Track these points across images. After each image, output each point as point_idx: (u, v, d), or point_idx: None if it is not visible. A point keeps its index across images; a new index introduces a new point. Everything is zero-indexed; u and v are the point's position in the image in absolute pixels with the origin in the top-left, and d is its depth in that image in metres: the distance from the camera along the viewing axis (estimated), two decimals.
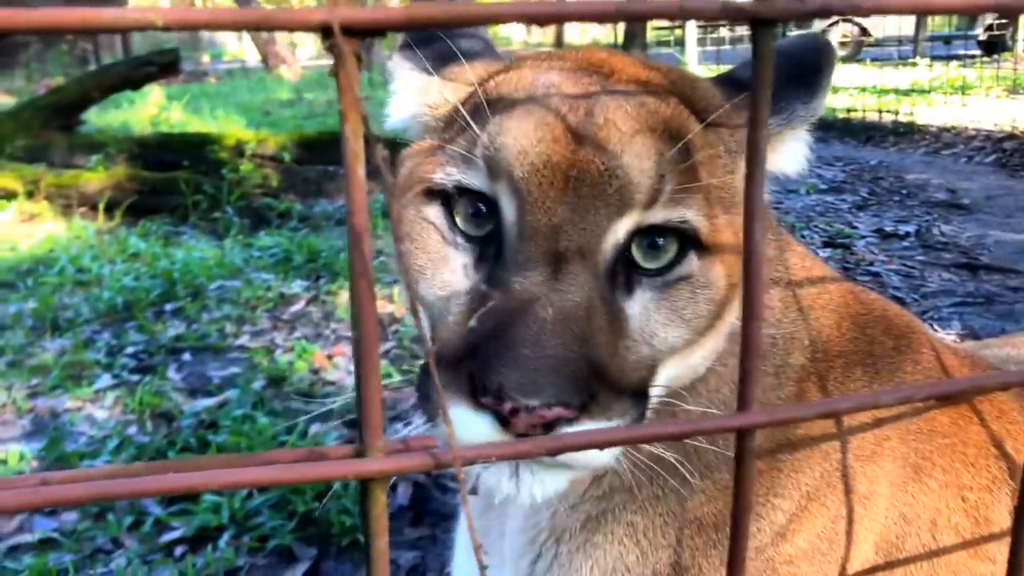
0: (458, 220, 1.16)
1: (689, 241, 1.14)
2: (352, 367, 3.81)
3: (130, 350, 4.16)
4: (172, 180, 7.18)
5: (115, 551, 2.61)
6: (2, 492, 0.56)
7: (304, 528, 2.69)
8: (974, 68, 13.88)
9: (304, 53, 25.44)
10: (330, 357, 4.00)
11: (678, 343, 1.15)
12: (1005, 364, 2.35)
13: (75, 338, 4.27)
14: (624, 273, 1.12)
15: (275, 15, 0.52)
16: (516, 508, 1.49)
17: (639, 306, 1.13)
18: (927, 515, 1.45)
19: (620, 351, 1.08)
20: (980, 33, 18.91)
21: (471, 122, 1.15)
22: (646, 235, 1.12)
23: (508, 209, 1.10)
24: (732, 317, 1.24)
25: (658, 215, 1.11)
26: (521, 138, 1.09)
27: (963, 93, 11.80)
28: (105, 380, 3.82)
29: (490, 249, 1.13)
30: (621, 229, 1.10)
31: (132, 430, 3.34)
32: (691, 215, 1.12)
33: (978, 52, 18.44)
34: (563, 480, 1.10)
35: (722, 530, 1.34)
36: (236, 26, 0.54)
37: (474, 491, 1.28)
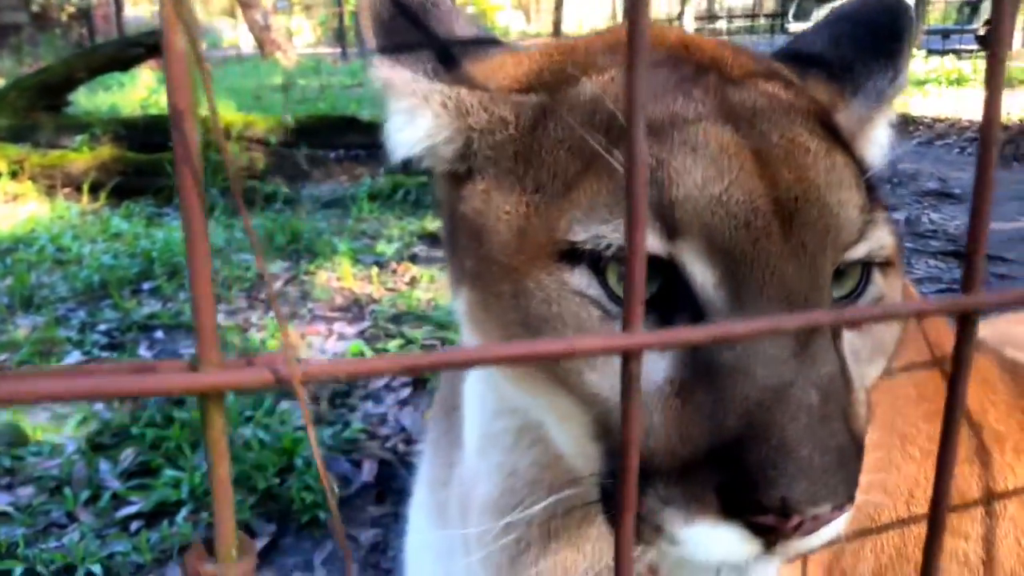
0: (611, 285, 0.89)
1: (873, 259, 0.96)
2: (326, 345, 3.76)
3: (102, 327, 4.10)
4: (157, 162, 7.11)
5: (70, 525, 2.55)
6: None
7: (264, 504, 2.64)
8: (970, 61, 13.81)
9: (301, 40, 25.33)
10: (304, 336, 3.94)
11: (875, 376, 0.98)
12: (1004, 342, 2.31)
13: (48, 315, 4.22)
14: None
15: None
16: (483, 487, 1.42)
17: (848, 346, 0.94)
18: (906, 486, 1.39)
19: (854, 407, 0.90)
20: (979, 28, 18.84)
21: (608, 155, 0.89)
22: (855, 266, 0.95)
23: (702, 273, 0.86)
24: None
25: (861, 249, 0.92)
26: (711, 184, 0.86)
27: (958, 85, 11.74)
28: (75, 356, 3.76)
29: (675, 319, 0.89)
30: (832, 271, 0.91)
31: (98, 406, 3.28)
32: (885, 236, 0.94)
33: (976, 47, 18.38)
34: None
35: None
36: None
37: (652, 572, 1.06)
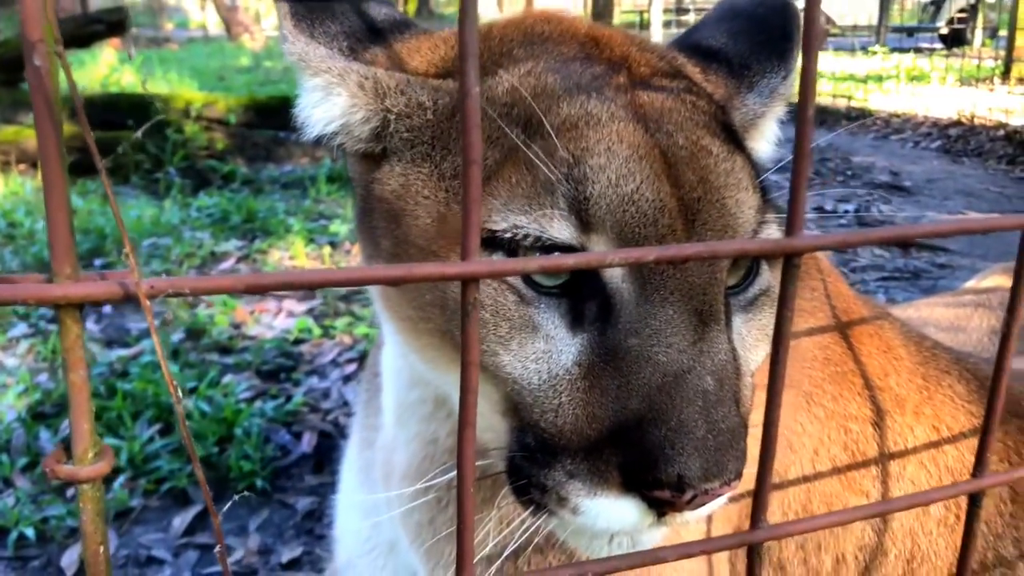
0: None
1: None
2: (275, 322, 3.78)
3: None
4: (115, 140, 7.05)
5: (5, 491, 2.57)
6: None
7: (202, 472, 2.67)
8: (931, 59, 14.04)
9: (268, 23, 25.08)
10: (253, 312, 3.96)
11: (760, 360, 1.04)
12: (923, 323, 2.40)
13: None
14: (725, 305, 0.98)
15: None
16: (394, 439, 1.45)
17: (737, 334, 1.01)
18: (811, 444, 1.46)
19: (743, 390, 0.97)
20: (941, 26, 19.13)
21: (527, 149, 0.93)
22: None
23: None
24: None
25: (755, 242, 0.99)
26: (624, 183, 0.91)
27: (917, 82, 11.94)
28: (21, 329, 3.75)
29: (585, 306, 0.94)
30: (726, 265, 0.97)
31: (42, 378, 3.29)
32: (775, 233, 1.00)
33: (939, 45, 18.66)
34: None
35: None
36: None
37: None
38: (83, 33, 8.55)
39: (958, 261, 5.08)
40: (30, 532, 2.36)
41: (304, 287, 0.65)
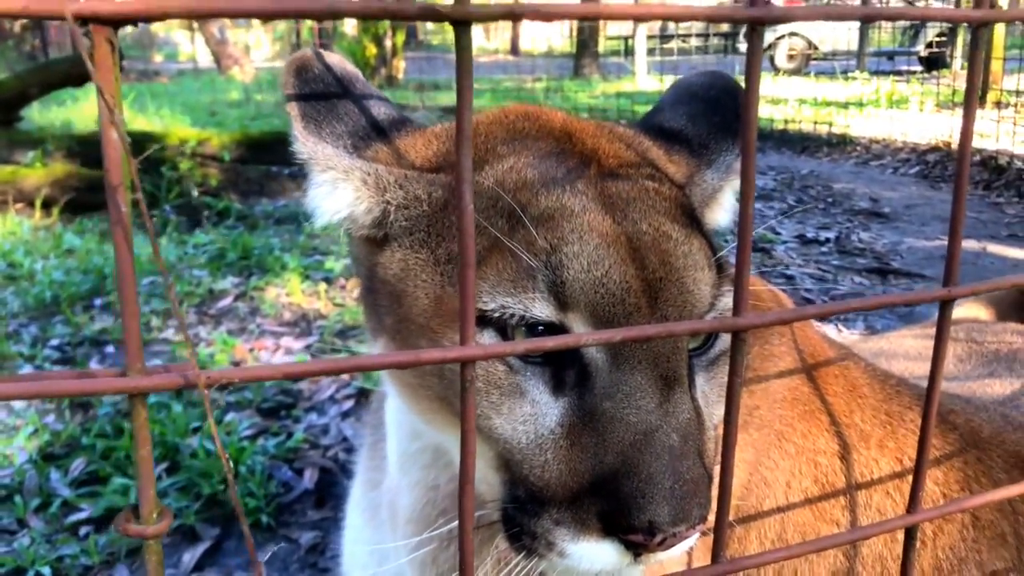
0: None
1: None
2: (273, 358, 3.90)
3: (54, 342, 4.20)
4: None
5: (20, 531, 2.68)
6: None
7: (209, 509, 2.78)
8: (911, 83, 14.32)
9: (258, 55, 25.31)
10: (252, 350, 4.08)
11: (721, 415, 1.18)
12: (876, 357, 2.54)
13: (0, 330, 4.30)
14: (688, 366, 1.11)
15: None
16: (405, 500, 1.57)
17: (700, 392, 1.15)
18: (783, 478, 1.59)
19: (706, 443, 1.10)
20: (921, 49, 19.47)
21: (510, 240, 1.07)
22: None
23: None
24: None
25: (712, 315, 1.13)
26: (594, 268, 1.04)
27: (897, 106, 12.18)
28: (26, 370, 3.86)
29: (565, 374, 1.07)
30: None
31: (49, 419, 3.40)
32: (727, 301, 1.13)
33: (919, 68, 19.00)
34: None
35: None
36: None
37: None
38: (78, 72, 8.69)
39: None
40: (47, 571, 2.47)
41: (333, 372, 0.79)
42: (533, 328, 1.06)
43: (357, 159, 1.18)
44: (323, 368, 0.78)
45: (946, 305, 1.04)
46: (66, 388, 0.73)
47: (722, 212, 1.36)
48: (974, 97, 0.96)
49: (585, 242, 1.06)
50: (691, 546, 1.10)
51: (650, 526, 0.98)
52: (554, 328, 1.06)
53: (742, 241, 0.88)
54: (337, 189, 1.18)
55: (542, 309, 1.04)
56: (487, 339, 1.07)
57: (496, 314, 1.05)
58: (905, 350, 2.74)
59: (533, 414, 1.06)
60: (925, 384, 1.96)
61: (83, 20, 0.63)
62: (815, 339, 1.76)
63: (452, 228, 1.14)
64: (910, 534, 1.08)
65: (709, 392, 1.17)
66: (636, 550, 1.03)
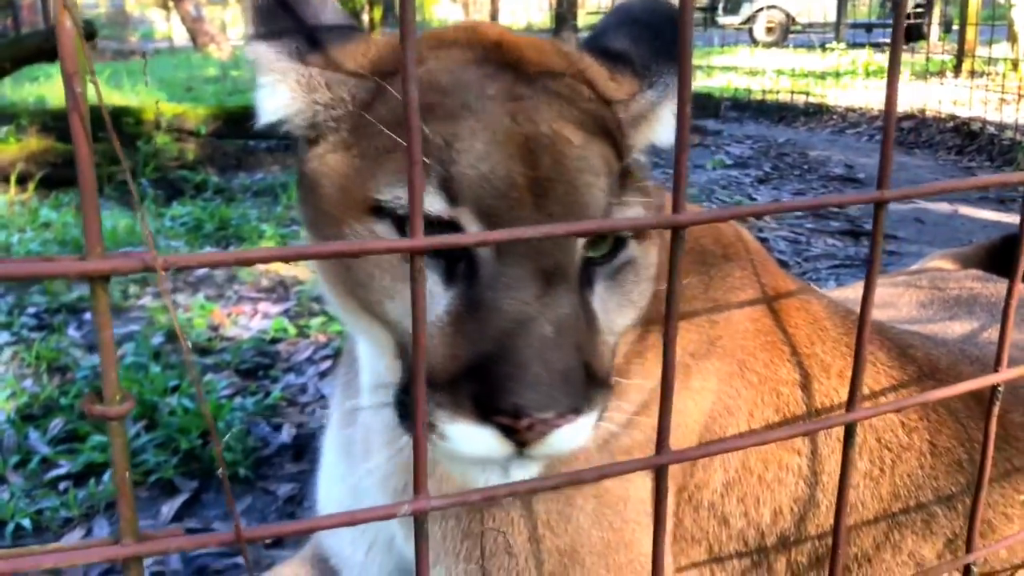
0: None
1: None
2: (251, 323, 3.93)
3: (31, 310, 4.21)
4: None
5: (0, 487, 2.71)
6: None
7: (187, 463, 2.82)
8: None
9: (235, 33, 25.06)
10: (230, 315, 4.11)
11: (628, 325, 1.25)
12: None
13: None
14: (585, 270, 1.18)
15: None
16: (381, 427, 1.62)
17: (598, 298, 1.20)
18: (746, 407, 1.63)
19: (597, 346, 1.16)
20: None
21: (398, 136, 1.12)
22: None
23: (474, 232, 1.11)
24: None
25: (645, 219, 1.19)
26: (481, 163, 1.10)
27: (872, 76, 12.26)
28: (3, 337, 3.87)
29: (456, 266, 1.13)
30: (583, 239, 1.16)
31: (27, 383, 3.41)
32: (633, 212, 1.19)
33: None
34: (541, 467, 1.18)
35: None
36: None
37: None
38: (50, 47, 8.61)
39: (906, 248, 5.32)
40: (27, 523, 2.50)
41: (282, 259, 0.83)
42: (427, 222, 1.11)
43: (295, 62, 1.26)
44: (272, 255, 0.82)
45: (879, 207, 1.08)
46: (30, 270, 0.77)
47: (662, 128, 1.41)
48: (897, 57, 1.00)
49: (476, 138, 1.12)
50: (580, 445, 1.12)
51: (515, 408, 1.01)
52: (444, 223, 1.12)
53: (680, 144, 0.92)
54: (276, 90, 1.27)
55: (432, 203, 1.10)
56: (382, 227, 1.15)
57: (390, 204, 1.13)
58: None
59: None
60: (888, 326, 2.01)
61: None
62: (777, 272, 1.81)
63: (368, 128, 1.20)
64: (849, 431, 1.13)
65: (609, 299, 1.22)
66: (514, 438, 1.06)
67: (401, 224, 1.14)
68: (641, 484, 1.56)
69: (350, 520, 0.91)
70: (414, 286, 0.86)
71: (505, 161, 1.11)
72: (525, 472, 1.14)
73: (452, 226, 1.12)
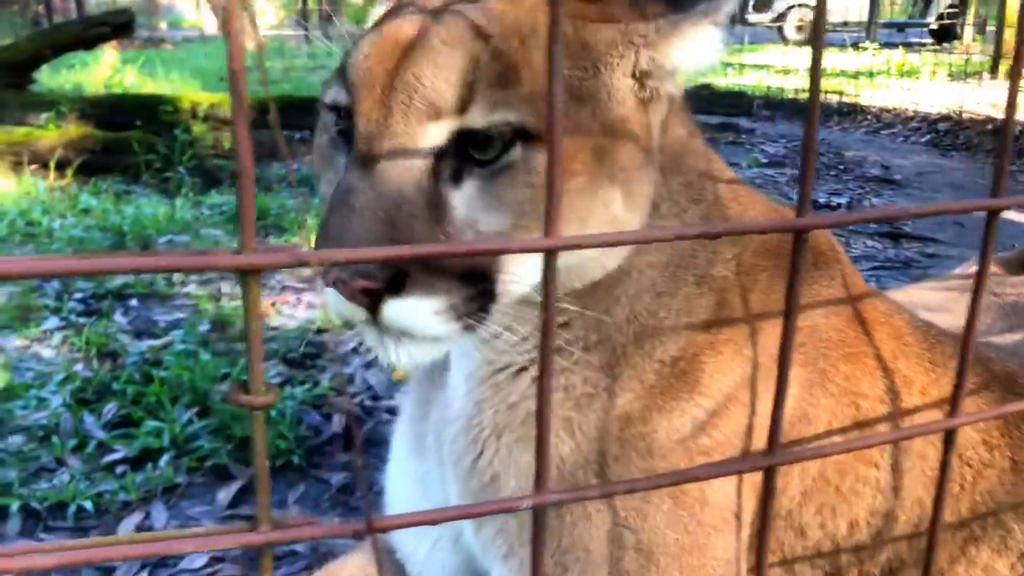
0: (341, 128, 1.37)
1: (519, 133, 1.24)
2: (296, 312, 3.96)
3: (78, 296, 4.26)
4: (124, 140, 7.20)
5: (59, 469, 2.75)
6: None
7: (241, 451, 2.85)
8: (922, 55, 14.26)
9: (264, 22, 25.15)
10: (274, 304, 4.14)
11: (502, 228, 1.25)
12: (913, 306, 2.58)
13: (23, 284, 4.36)
14: (454, 166, 1.25)
15: None
16: (457, 411, 1.64)
17: (464, 195, 1.25)
18: (825, 416, 1.62)
19: (440, 236, 1.22)
20: (932, 22, 19.35)
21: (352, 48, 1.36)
22: (478, 133, 1.24)
23: (354, 115, 1.28)
24: (613, 214, 1.31)
25: (477, 119, 1.23)
26: (358, 56, 1.29)
27: (908, 77, 12.15)
28: (53, 322, 3.92)
29: (349, 148, 1.32)
30: (439, 131, 1.23)
31: (78, 367, 3.46)
32: (512, 116, 1.23)
33: (930, 40, 18.90)
34: (420, 350, 1.26)
35: (648, 423, 1.49)
36: None
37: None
38: (89, 36, 8.69)
39: (946, 251, 5.28)
40: (88, 505, 2.54)
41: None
42: (340, 112, 1.34)
43: None
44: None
45: (992, 215, 1.08)
46: (188, 263, 0.78)
47: (685, 49, 1.37)
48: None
49: (364, 44, 1.30)
50: (424, 328, 1.21)
51: (316, 260, 1.13)
52: (344, 109, 1.31)
53: (806, 147, 0.92)
54: None
55: (337, 95, 1.33)
56: (329, 119, 1.39)
57: (328, 100, 1.37)
58: (925, 302, 2.78)
59: (334, 179, 1.33)
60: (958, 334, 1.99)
61: None
62: (863, 287, 1.80)
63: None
64: (949, 438, 1.13)
65: (477, 197, 1.25)
66: (356, 300, 1.17)
67: (339, 113, 1.35)
68: (719, 487, 1.56)
69: (465, 514, 0.93)
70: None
71: (375, 56, 1.27)
72: (401, 350, 1.25)
73: (349, 111, 1.30)
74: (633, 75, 1.37)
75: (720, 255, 1.58)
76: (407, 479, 1.87)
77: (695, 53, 1.38)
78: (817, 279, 1.69)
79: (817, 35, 0.89)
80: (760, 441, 1.57)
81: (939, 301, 2.79)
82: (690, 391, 1.53)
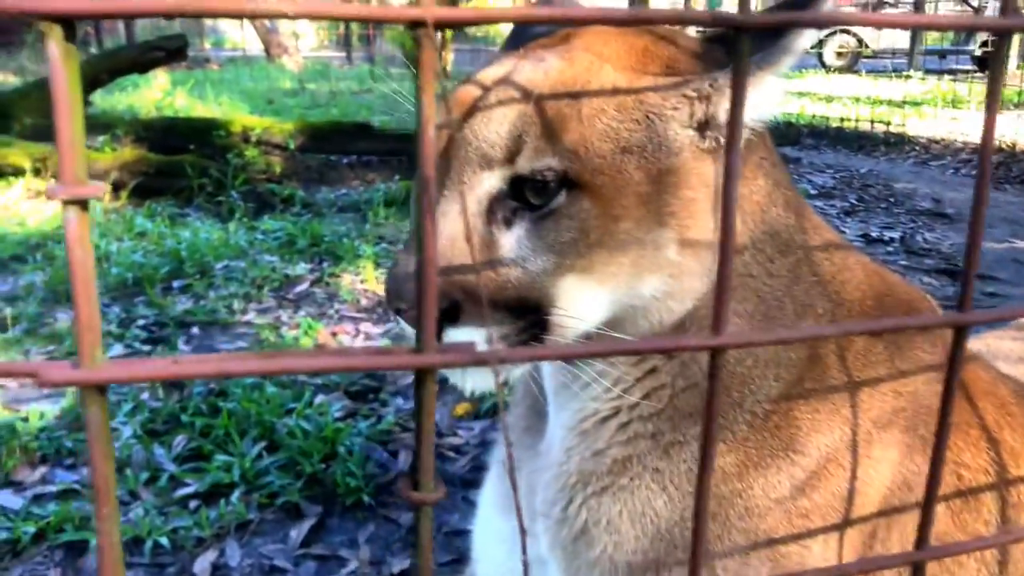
0: None
1: (564, 181, 1.30)
2: (354, 343, 3.98)
3: (140, 322, 4.33)
4: (178, 163, 7.33)
5: (132, 503, 2.78)
6: (141, 366, 0.73)
7: (311, 488, 2.86)
8: (966, 83, 14.11)
9: (305, 44, 25.54)
10: (334, 334, 4.17)
11: (548, 267, 1.32)
12: (992, 356, 2.54)
13: None
14: (506, 210, 1.32)
15: (372, 10, 0.69)
16: (550, 461, 1.64)
17: (514, 237, 1.32)
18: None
19: (492, 274, 1.32)
20: (975, 48, 19.16)
21: None
22: (527, 179, 1.31)
23: None
24: (667, 257, 1.34)
25: (524, 166, 1.30)
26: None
27: (953, 106, 12.02)
28: (117, 349, 3.98)
29: None
30: (492, 179, 1.32)
31: (145, 396, 3.50)
32: (555, 162, 1.29)
33: (972, 67, 18.70)
34: (480, 376, 1.36)
35: (743, 479, 1.46)
36: (335, 16, 0.71)
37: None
38: (144, 60, 8.90)
39: (1007, 290, 5.20)
40: (164, 541, 2.56)
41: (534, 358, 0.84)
42: None
43: None
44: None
45: None
46: (370, 363, 0.79)
47: (758, 103, 1.37)
48: None
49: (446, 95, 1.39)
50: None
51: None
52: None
53: (971, 245, 0.91)
54: None
55: None
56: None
57: None
58: (1005, 353, 2.73)
59: None
60: None
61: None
62: (967, 353, 1.77)
63: None
64: None
65: (525, 239, 1.32)
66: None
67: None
68: (819, 552, 1.54)
69: None
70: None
71: (445, 111, 1.35)
72: (466, 376, 1.35)
73: None
74: (691, 126, 1.37)
75: (811, 309, 1.56)
76: (495, 538, 1.86)
77: (754, 106, 1.37)
78: (919, 343, 1.66)
79: (990, 109, 0.88)
80: (861, 507, 1.55)
81: (1020, 352, 2.74)
82: (785, 448, 1.51)
